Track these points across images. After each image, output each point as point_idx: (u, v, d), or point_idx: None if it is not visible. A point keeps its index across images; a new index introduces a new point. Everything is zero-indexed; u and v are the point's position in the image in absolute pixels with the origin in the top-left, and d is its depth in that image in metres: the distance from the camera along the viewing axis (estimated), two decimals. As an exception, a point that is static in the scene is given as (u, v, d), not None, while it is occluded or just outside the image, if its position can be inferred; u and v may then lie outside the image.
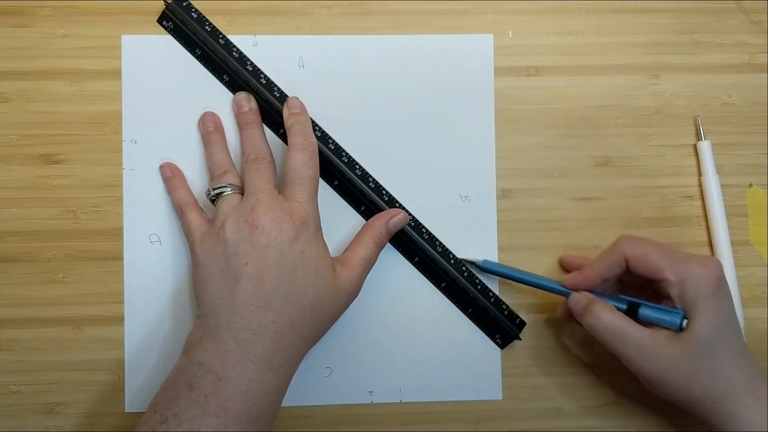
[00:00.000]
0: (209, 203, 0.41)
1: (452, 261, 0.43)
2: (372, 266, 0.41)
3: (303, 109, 0.42)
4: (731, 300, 0.38)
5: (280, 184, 0.40)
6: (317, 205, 0.39)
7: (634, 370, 0.37)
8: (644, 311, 0.37)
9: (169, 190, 0.43)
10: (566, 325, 0.43)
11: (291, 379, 0.38)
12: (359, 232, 0.42)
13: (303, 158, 0.39)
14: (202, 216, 0.41)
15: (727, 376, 0.36)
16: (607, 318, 0.37)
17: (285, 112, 0.42)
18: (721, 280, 0.37)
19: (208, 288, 0.38)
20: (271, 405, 0.36)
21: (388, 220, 0.42)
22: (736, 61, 0.45)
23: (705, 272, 0.36)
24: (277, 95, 0.43)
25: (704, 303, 0.36)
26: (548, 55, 0.44)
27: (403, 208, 0.43)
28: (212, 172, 0.42)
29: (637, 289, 0.41)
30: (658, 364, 0.36)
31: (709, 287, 0.36)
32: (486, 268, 0.42)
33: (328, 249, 0.39)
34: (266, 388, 0.36)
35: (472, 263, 0.43)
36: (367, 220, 0.43)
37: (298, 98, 0.42)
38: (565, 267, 0.43)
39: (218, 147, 0.42)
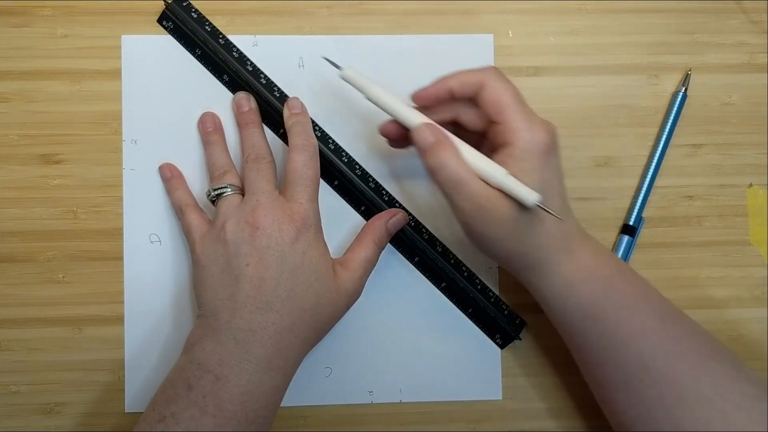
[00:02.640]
0: (209, 204, 0.41)
1: (452, 261, 0.43)
2: (373, 267, 0.41)
3: (303, 110, 0.42)
4: (560, 169, 0.37)
5: (281, 184, 0.40)
6: (318, 206, 0.39)
7: (463, 222, 0.37)
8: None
9: (168, 191, 0.43)
10: (397, 147, 0.40)
11: (290, 380, 0.38)
12: (359, 233, 0.42)
13: (304, 159, 0.39)
14: (202, 216, 0.41)
15: (544, 232, 0.36)
16: (452, 165, 0.35)
17: (285, 113, 0.42)
18: (555, 144, 0.36)
19: (208, 289, 0.38)
20: (270, 406, 0.36)
21: (387, 220, 0.42)
22: (736, 61, 0.45)
23: (541, 131, 0.35)
24: (277, 95, 0.43)
25: (532, 158, 0.35)
26: (548, 55, 0.44)
27: (403, 208, 0.43)
28: (212, 172, 0.42)
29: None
30: (484, 216, 0.35)
31: (542, 145, 0.35)
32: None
33: (328, 250, 0.39)
34: (265, 389, 0.36)
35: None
36: (367, 220, 0.43)
37: (298, 98, 0.42)
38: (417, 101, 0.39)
39: (218, 147, 0.42)
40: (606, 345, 0.36)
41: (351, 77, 0.38)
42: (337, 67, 0.38)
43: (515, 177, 0.35)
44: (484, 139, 0.38)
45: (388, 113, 0.38)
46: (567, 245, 0.37)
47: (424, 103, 0.38)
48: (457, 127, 0.39)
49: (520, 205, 0.35)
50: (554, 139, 0.36)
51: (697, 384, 0.34)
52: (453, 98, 0.37)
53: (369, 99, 0.37)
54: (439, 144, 0.36)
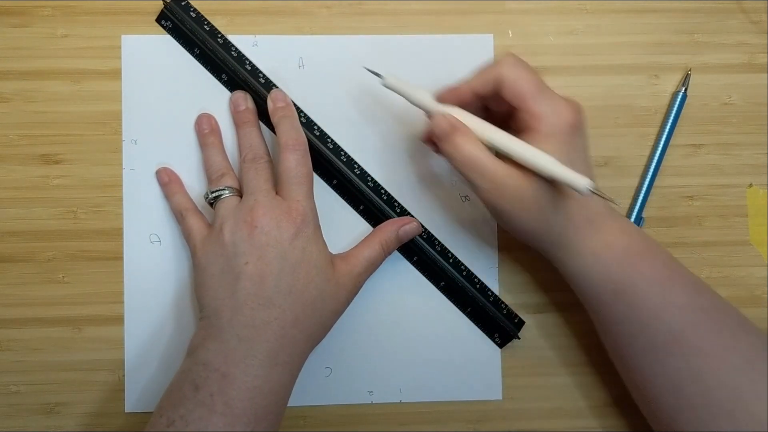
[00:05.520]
0: (208, 206, 0.41)
1: (451, 261, 0.43)
2: (375, 268, 0.41)
3: (288, 102, 0.42)
4: (586, 145, 0.38)
5: (275, 183, 0.40)
6: (314, 203, 0.40)
7: (485, 201, 0.37)
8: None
9: (167, 195, 0.42)
10: (436, 155, 0.40)
11: (297, 376, 0.38)
12: (370, 233, 0.42)
13: (296, 158, 0.39)
14: (202, 220, 0.41)
15: (568, 209, 0.37)
16: (465, 147, 0.36)
17: (270, 105, 0.41)
18: (580, 123, 0.37)
19: (209, 289, 0.38)
20: (278, 402, 0.36)
21: (400, 226, 0.42)
22: (736, 61, 0.45)
23: (566, 111, 0.36)
24: (277, 95, 0.43)
25: (558, 140, 0.36)
26: (548, 55, 0.44)
27: (403, 208, 0.43)
28: (209, 175, 0.42)
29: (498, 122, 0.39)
30: (507, 196, 0.36)
31: (567, 126, 0.36)
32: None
33: (326, 245, 0.40)
34: (272, 385, 0.36)
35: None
36: (366, 219, 0.43)
37: (281, 90, 0.42)
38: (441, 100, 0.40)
39: (215, 149, 0.42)
40: (635, 319, 0.37)
41: (392, 84, 0.39)
42: (378, 75, 0.39)
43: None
44: (511, 121, 0.38)
45: (431, 112, 0.38)
46: (593, 222, 0.37)
47: (449, 103, 0.38)
48: (486, 111, 0.40)
49: (539, 182, 0.36)
50: (579, 118, 0.37)
51: (726, 353, 0.35)
52: (478, 96, 0.38)
53: (412, 102, 0.39)
54: (452, 129, 0.37)
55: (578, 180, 0.34)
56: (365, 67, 0.40)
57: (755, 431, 0.34)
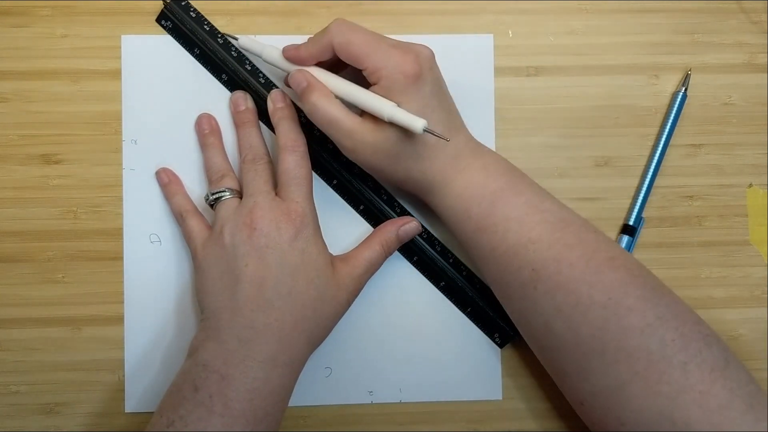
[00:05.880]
0: (208, 207, 0.41)
1: (451, 261, 0.43)
2: (376, 269, 0.41)
3: (288, 102, 0.42)
4: (437, 91, 0.38)
5: (275, 184, 0.40)
6: (314, 204, 0.40)
7: (348, 156, 0.39)
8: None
9: (167, 196, 0.42)
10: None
11: (297, 378, 0.38)
12: (370, 234, 0.42)
13: (295, 159, 0.39)
14: (203, 222, 0.41)
15: (427, 156, 0.38)
16: (322, 106, 0.37)
17: (270, 106, 0.41)
18: (420, 72, 0.36)
19: (209, 292, 0.38)
20: (277, 404, 0.37)
21: (400, 226, 0.41)
22: (736, 61, 0.45)
23: (402, 62, 0.36)
24: (277, 95, 0.43)
25: (399, 91, 0.36)
26: (548, 55, 0.44)
27: (402, 208, 0.43)
28: (210, 176, 0.42)
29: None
30: (365, 149, 0.37)
31: (405, 77, 0.36)
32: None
33: (326, 247, 0.40)
34: (271, 387, 0.36)
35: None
36: (366, 219, 0.43)
37: (281, 90, 0.42)
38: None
39: (215, 150, 0.42)
40: (498, 256, 0.37)
41: (246, 44, 0.41)
42: (234, 38, 0.42)
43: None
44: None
45: (283, 69, 0.40)
46: (455, 165, 0.38)
47: (296, 63, 0.39)
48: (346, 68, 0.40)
49: (396, 133, 0.37)
50: (418, 67, 0.36)
51: (589, 290, 0.35)
52: (321, 61, 0.39)
53: (266, 61, 0.41)
54: (309, 87, 0.38)
55: (413, 121, 0.35)
56: (223, 33, 0.43)
57: (626, 367, 0.33)
